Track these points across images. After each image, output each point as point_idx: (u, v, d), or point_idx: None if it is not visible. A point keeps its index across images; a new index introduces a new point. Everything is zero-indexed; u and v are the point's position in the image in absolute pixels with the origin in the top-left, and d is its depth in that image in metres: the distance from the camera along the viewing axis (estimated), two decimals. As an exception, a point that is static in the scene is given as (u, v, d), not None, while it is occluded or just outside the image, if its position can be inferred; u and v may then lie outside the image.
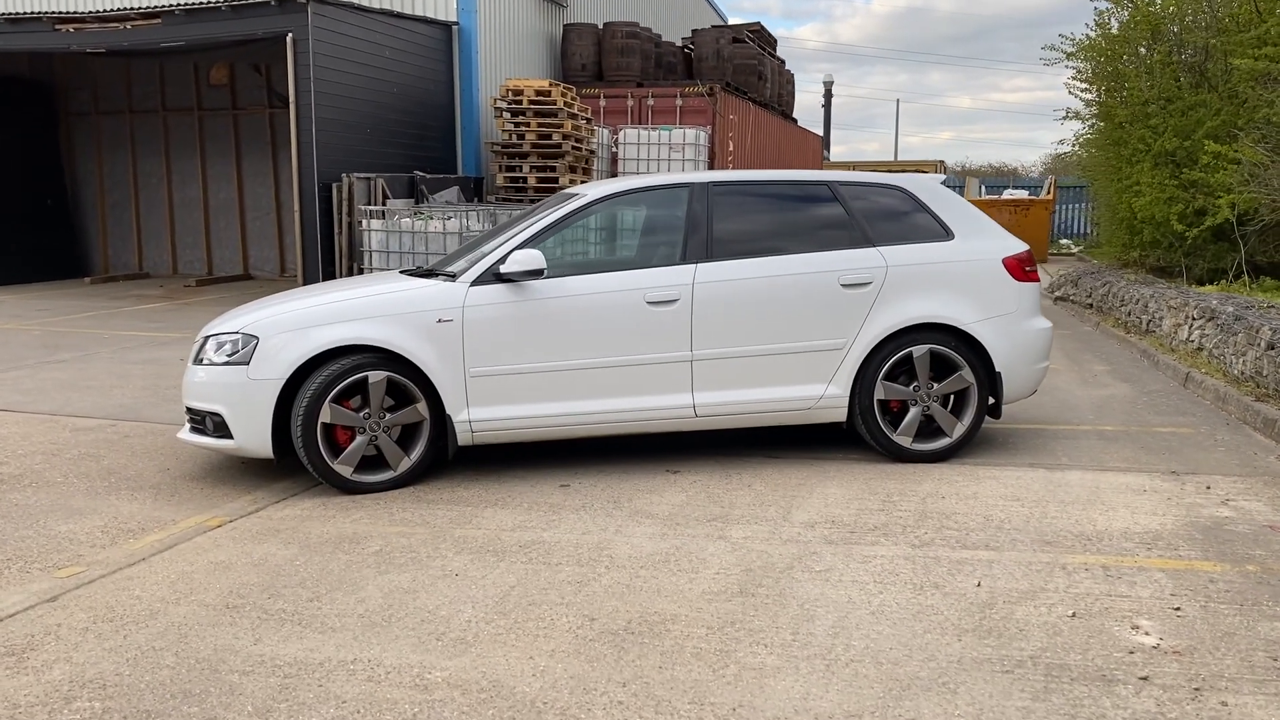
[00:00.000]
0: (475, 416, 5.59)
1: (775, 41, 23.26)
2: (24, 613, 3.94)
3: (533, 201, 15.65)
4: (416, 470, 5.63)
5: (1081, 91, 14.47)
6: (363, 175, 13.81)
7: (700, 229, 5.84)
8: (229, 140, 18.28)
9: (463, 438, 5.62)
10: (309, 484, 5.65)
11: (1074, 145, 21.12)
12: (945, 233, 6.04)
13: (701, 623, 3.71)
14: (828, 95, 43.51)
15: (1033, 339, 6.07)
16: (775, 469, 5.83)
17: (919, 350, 5.86)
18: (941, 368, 5.92)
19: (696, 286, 5.71)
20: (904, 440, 5.90)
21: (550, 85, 15.96)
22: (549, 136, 15.81)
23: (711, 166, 17.74)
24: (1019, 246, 6.16)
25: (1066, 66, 14.06)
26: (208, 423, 5.60)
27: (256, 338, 5.48)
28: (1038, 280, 6.19)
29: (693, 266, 5.76)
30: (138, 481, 5.75)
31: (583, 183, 16.51)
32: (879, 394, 5.86)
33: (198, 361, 5.71)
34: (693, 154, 17.23)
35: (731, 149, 19.03)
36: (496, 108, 15.93)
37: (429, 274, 6.04)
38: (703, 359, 5.72)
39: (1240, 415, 7.01)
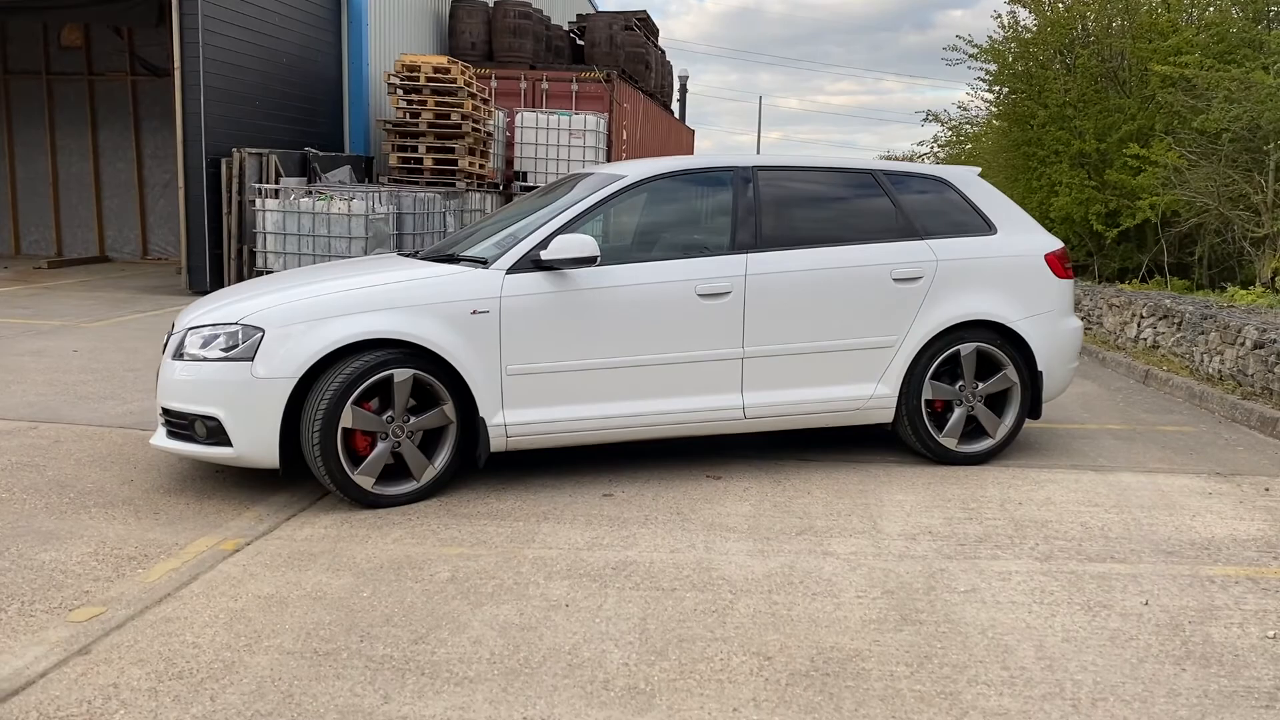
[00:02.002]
0: (511, 419, 5.02)
1: (658, 31, 22.97)
2: (57, 670, 3.19)
3: (430, 184, 14.88)
4: (441, 480, 5.02)
5: (985, 92, 14.73)
6: (254, 150, 12.76)
7: (749, 216, 5.42)
8: (83, 110, 16.66)
9: (496, 443, 5.04)
10: (309, 496, 4.96)
11: (933, 148, 21.72)
12: (988, 226, 5.82)
13: (893, 659, 3.30)
14: (683, 89, 43.58)
15: (1069, 338, 5.92)
16: (820, 473, 5.48)
17: (966, 348, 5.61)
18: (984, 367, 5.69)
19: (749, 278, 5.29)
20: (949, 442, 5.65)
21: (449, 63, 15.19)
22: (447, 116, 15.04)
23: (608, 155, 17.29)
24: (1057, 242, 5.99)
25: (969, 68, 14.25)
26: (197, 428, 4.83)
27: (262, 330, 4.75)
28: (1074, 277, 6.05)
29: (744, 257, 5.34)
30: (104, 496, 4.92)
31: (481, 166, 15.81)
32: (926, 394, 5.59)
33: (178, 356, 4.92)
34: (594, 141, 16.78)
35: (625, 137, 18.63)
36: (390, 84, 15.05)
37: (447, 258, 5.41)
38: (754, 356, 5.31)
39: (1227, 414, 7.08)
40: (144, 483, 5.17)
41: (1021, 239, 5.85)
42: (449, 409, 4.96)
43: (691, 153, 27.74)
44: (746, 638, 3.45)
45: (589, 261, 4.98)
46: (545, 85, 17.90)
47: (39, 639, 3.40)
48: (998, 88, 14.42)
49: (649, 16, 22.04)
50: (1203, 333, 7.92)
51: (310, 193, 12.54)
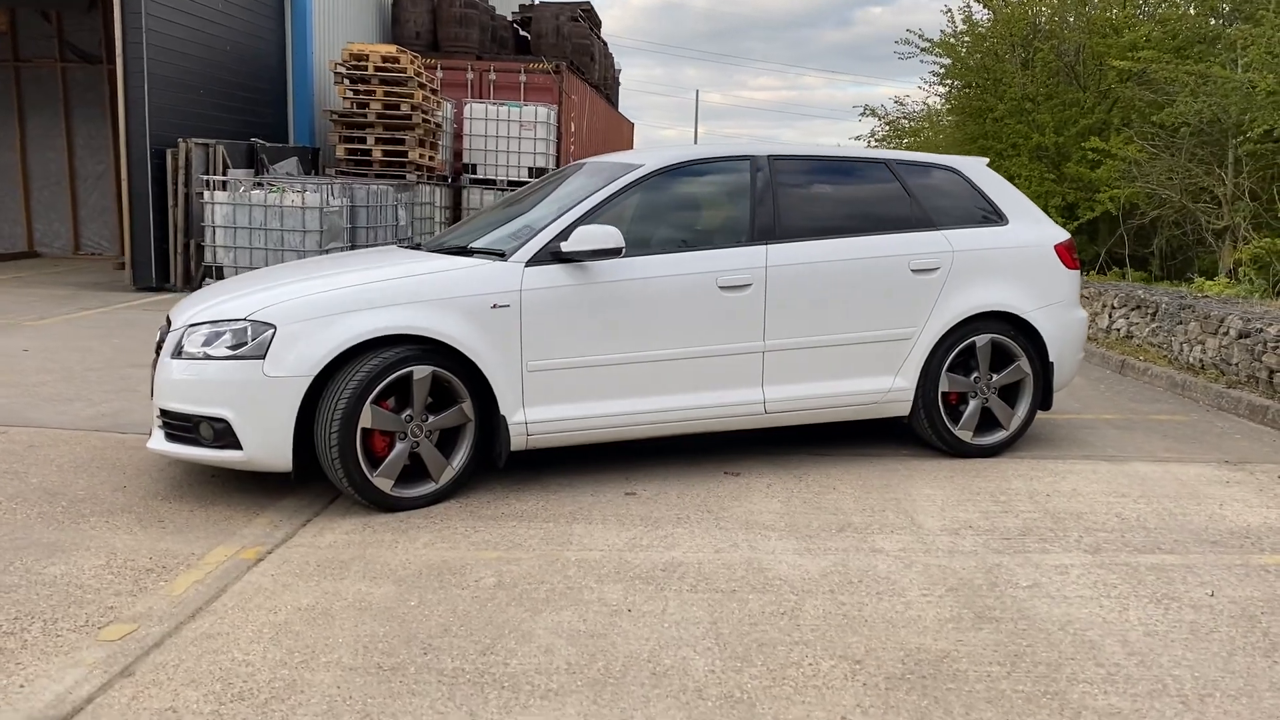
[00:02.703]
0: (532, 417, 4.84)
1: (600, 23, 22.79)
2: (104, 695, 2.95)
3: (379, 176, 14.54)
4: (459, 481, 4.83)
5: (938, 85, 14.83)
6: (201, 141, 12.30)
7: (766, 206, 5.31)
8: (9, 97, 15.93)
9: (516, 442, 4.86)
10: (318, 500, 4.74)
11: (870, 143, 21.95)
12: (999, 216, 5.79)
13: (984, 659, 3.22)
14: (615, 82, 43.38)
15: (1078, 328, 5.93)
16: (838, 468, 5.40)
17: (981, 340, 5.58)
18: (998, 358, 5.67)
19: (770, 270, 5.18)
20: (965, 434, 5.61)
21: (399, 52, 14.87)
22: (397, 107, 14.73)
23: (558, 148, 17.08)
24: (1065, 233, 5.99)
25: (921, 61, 14.34)
26: (202, 430, 4.57)
27: (273, 326, 4.50)
28: (1080, 268, 6.06)
29: (763, 248, 5.23)
30: (100, 504, 4.64)
31: (431, 158, 15.50)
32: (943, 386, 5.54)
33: (178, 355, 4.65)
34: (544, 133, 16.57)
35: (573, 130, 18.43)
36: (337, 73, 14.66)
37: (459, 250, 5.20)
38: (774, 350, 5.21)
39: (1213, 402, 7.18)
40: (139, 489, 4.88)
41: (1032, 229, 5.83)
42: (468, 407, 4.77)
43: (631, 146, 27.59)
44: (826, 641, 3.34)
45: (613, 253, 4.81)
46: (492, 76, 17.61)
47: (74, 660, 3.15)
48: (951, 82, 14.53)
49: (593, 8, 21.85)
50: (1181, 323, 8.03)
51: (261, 185, 12.13)
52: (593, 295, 4.89)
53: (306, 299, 4.60)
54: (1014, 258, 5.68)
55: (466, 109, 16.56)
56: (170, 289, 12.35)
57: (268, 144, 13.74)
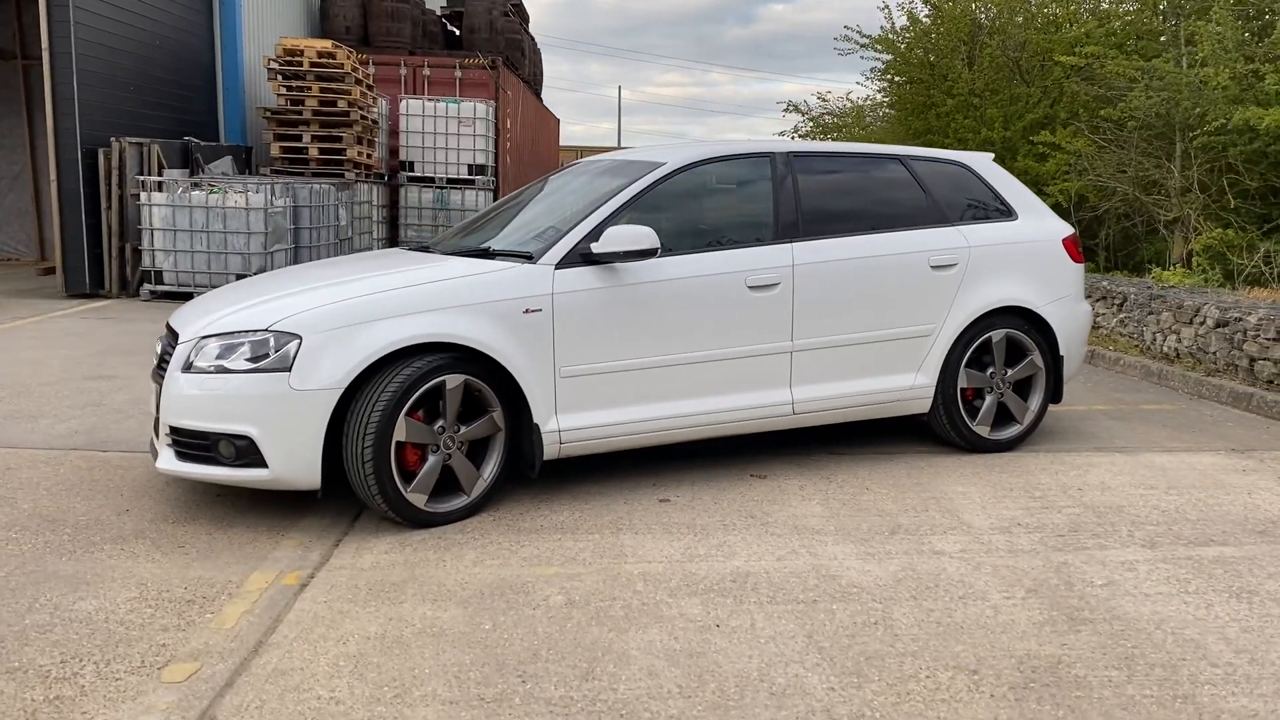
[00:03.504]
0: (565, 425, 4.68)
1: (528, 17, 22.51)
2: (191, 743, 2.72)
3: (316, 175, 14.11)
4: (489, 494, 4.64)
5: (878, 80, 14.96)
6: (135, 140, 11.77)
7: (789, 203, 5.22)
8: (-86, 94, 15.05)
9: (549, 450, 4.69)
10: (339, 518, 4.53)
11: (793, 139, 22.14)
12: (1008, 211, 5.80)
13: (1097, 663, 3.17)
14: (542, 77, 43.03)
15: (1084, 321, 5.97)
16: (862, 467, 5.35)
17: (997, 335, 5.59)
18: (1011, 353, 5.68)
19: (796, 268, 5.10)
20: (982, 430, 5.61)
21: (334, 47, 14.46)
22: (334, 104, 14.31)
23: (496, 145, 16.80)
24: (1070, 227, 6.03)
25: (863, 58, 14.46)
26: (222, 448, 4.30)
27: (298, 336, 4.26)
28: (1084, 261, 6.11)
29: (789, 246, 5.14)
30: (109, 530, 4.35)
31: (369, 156, 15.11)
32: (961, 382, 5.53)
33: (188, 369, 4.37)
34: (483, 129, 16.28)
35: (509, 126, 18.16)
36: (270, 69, 14.18)
37: (480, 253, 5.01)
38: (802, 349, 5.13)
39: (1192, 390, 7.34)
40: (144, 512, 4.59)
41: (1040, 223, 5.86)
42: (498, 416, 4.59)
43: (557, 143, 27.36)
44: (932, 650, 3.26)
45: (648, 254, 4.67)
46: (427, 72, 17.25)
47: (144, 706, 2.91)
48: (892, 77, 14.67)
49: (522, 2, 21.57)
50: (1153, 313, 8.19)
51: (200, 185, 11.66)
52: (624, 297, 4.75)
53: (331, 307, 4.36)
54: (1025, 252, 5.70)
55: (403, 105, 16.18)
56: (105, 295, 11.79)
57: (202, 143, 13.22)
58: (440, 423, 4.43)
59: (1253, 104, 9.01)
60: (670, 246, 4.93)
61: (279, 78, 14.22)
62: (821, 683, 3.05)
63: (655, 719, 2.85)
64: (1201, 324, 7.55)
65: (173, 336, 4.67)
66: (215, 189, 11.52)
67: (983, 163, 5.90)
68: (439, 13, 20.00)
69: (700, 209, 5.15)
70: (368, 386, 4.28)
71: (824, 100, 24.41)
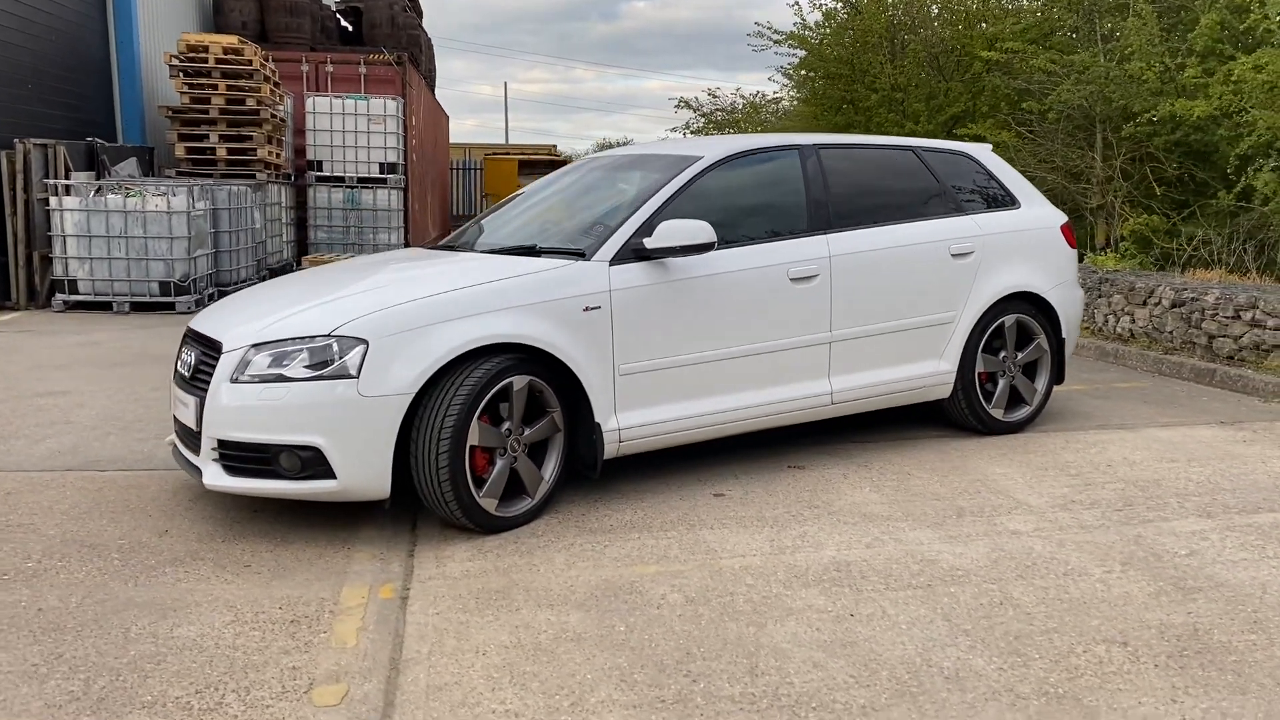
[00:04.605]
0: (624, 423, 4.64)
1: (423, 12, 22.09)
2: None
3: (225, 176, 13.59)
4: (550, 496, 4.56)
5: (786, 75, 15.21)
6: (39, 142, 11.09)
7: (820, 195, 5.28)
8: None
9: (609, 449, 4.64)
10: (392, 526, 4.40)
11: (686, 135, 22.43)
12: (1012, 200, 5.99)
13: (1232, 629, 3.31)
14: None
15: (1079, 305, 6.22)
16: (897, 454, 5.45)
17: (1009, 320, 5.77)
18: (1020, 337, 5.87)
19: (833, 259, 5.16)
20: (997, 412, 5.79)
21: (240, 43, 13.96)
22: (242, 101, 13.83)
23: (404, 142, 16.44)
24: (1063, 215, 6.27)
25: (776, 54, 14.70)
26: (283, 460, 4.11)
27: (364, 341, 4.10)
28: (1077, 247, 6.35)
29: (824, 237, 5.20)
30: (161, 553, 4.11)
31: (278, 155, 14.63)
32: (979, 367, 5.69)
33: (239, 379, 4.16)
34: (393, 126, 15.93)
35: (414, 123, 17.81)
36: (172, 66, 13.59)
37: (526, 251, 4.90)
38: (840, 340, 5.20)
39: (1151, 369, 7.71)
40: (184, 532, 4.35)
41: (1040, 211, 6.06)
42: (558, 416, 4.51)
43: (448, 139, 26.92)
44: (1072, 626, 3.35)
45: (704, 249, 4.66)
46: (330, 68, 16.77)
47: (315, 734, 2.76)
48: (806, 73, 14.93)
49: (417, -3, 21.15)
50: (1102, 296, 8.57)
51: (115, 188, 11.08)
52: (675, 292, 4.72)
53: (395, 309, 4.21)
54: (1030, 240, 5.89)
55: (309, 103, 15.69)
56: (12, 307, 11.09)
57: (106, 144, 12.55)
58: (506, 425, 4.33)
59: (1174, 95, 9.52)
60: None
61: (181, 74, 13.63)
62: (987, 664, 3.10)
63: (848, 710, 2.84)
64: (1156, 305, 7.94)
65: (207, 345, 4.43)
66: (132, 192, 10.96)
67: (984, 152, 6.08)
68: (334, 8, 19.46)
69: (736, 202, 5.15)
70: (436, 390, 4.15)
71: (714, 96, 24.75)
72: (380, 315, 4.18)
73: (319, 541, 4.22)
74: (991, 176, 5.95)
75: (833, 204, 5.28)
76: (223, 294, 11.97)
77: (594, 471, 4.61)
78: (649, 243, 4.63)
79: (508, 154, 25.14)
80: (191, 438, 4.41)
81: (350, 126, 15.67)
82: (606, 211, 4.98)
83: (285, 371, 4.10)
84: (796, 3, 14.78)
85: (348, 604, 3.62)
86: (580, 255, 4.66)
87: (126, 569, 3.93)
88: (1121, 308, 8.33)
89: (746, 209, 5.19)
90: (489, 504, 4.27)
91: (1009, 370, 5.79)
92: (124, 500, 4.76)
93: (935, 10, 13.28)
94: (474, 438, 4.18)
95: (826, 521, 4.41)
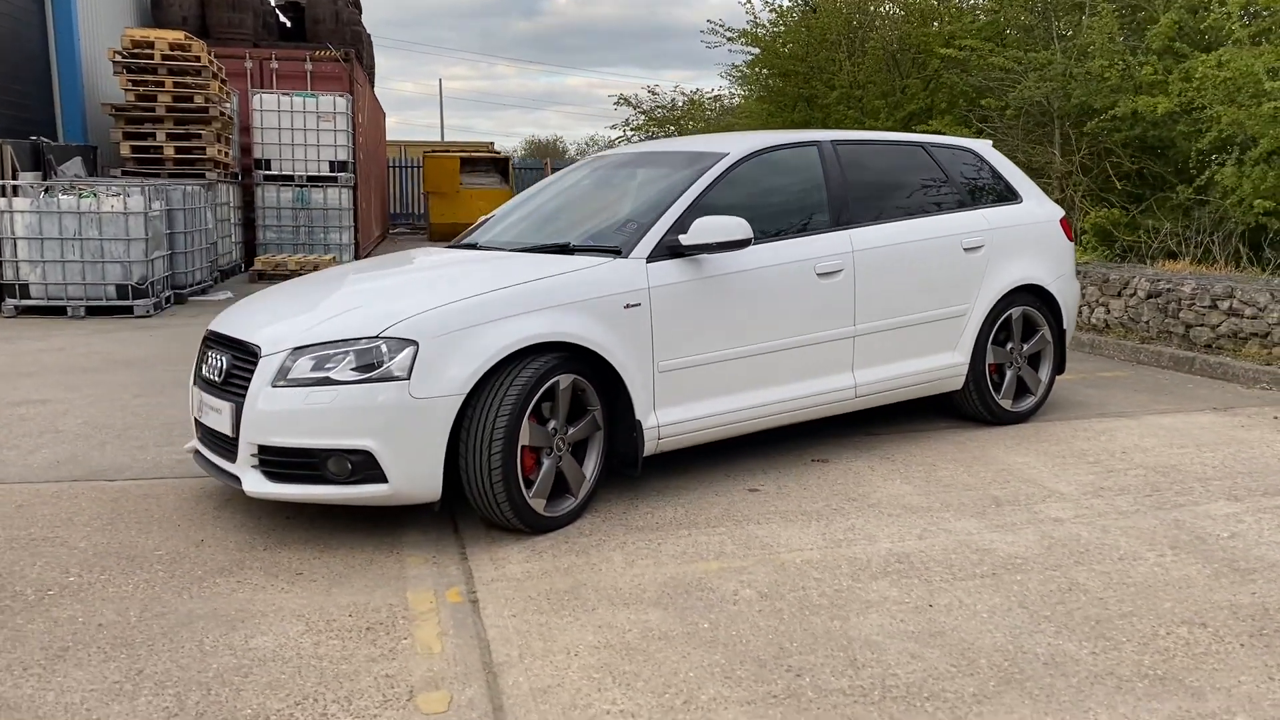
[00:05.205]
0: (663, 420, 4.64)
1: (362, 8, 21.75)
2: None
3: (173, 175, 13.26)
4: (591, 494, 4.54)
5: (739, 71, 15.30)
6: (-15, 141, 10.68)
7: (840, 190, 5.34)
8: None
9: (649, 446, 4.63)
10: (433, 529, 4.34)
11: (626, 132, 22.48)
12: (1015, 195, 6.11)
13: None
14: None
15: (1077, 297, 6.37)
16: (916, 446, 5.53)
17: (1016, 312, 5.89)
18: (1025, 329, 5.99)
19: (855, 254, 5.22)
20: (1005, 403, 5.90)
21: (187, 38, 13.65)
22: (190, 99, 13.52)
23: (352, 139, 16.20)
24: (1061, 209, 6.41)
25: (730, 50, 14.78)
26: (332, 465, 4.03)
27: (414, 342, 4.04)
28: (1074, 240, 6.50)
29: (846, 233, 5.25)
30: (204, 563, 4.00)
31: (226, 154, 14.32)
32: (989, 358, 5.80)
33: (281, 382, 4.07)
34: (343, 124, 15.70)
35: (361, 120, 17.56)
36: (115, 63, 13.24)
37: (559, 249, 4.86)
38: (863, 334, 5.26)
39: (1129, 357, 7.94)
40: (220, 542, 4.24)
41: (1041, 206, 6.20)
42: (599, 415, 4.50)
43: (385, 136, 26.57)
44: (1148, 609, 3.44)
45: (740, 245, 4.67)
46: (275, 65, 16.48)
47: (436, 742, 2.72)
48: (759, 70, 15.03)
49: (356, -8, 20.81)
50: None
51: (67, 189, 10.73)
52: (710, 288, 4.73)
53: (443, 310, 4.15)
54: (1033, 233, 6.02)
55: (256, 100, 15.39)
56: (-41, 313, 10.67)
57: (51, 143, 12.14)
58: (552, 424, 4.30)
59: (1131, 93, 9.80)
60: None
61: (125, 71, 13.27)
62: (1079, 649, 3.16)
63: (960, 699, 2.88)
64: (1132, 296, 8.17)
65: (238, 348, 4.33)
66: (85, 193, 10.62)
67: (986, 148, 6.19)
68: (274, 2, 19.09)
69: (761, 197, 5.17)
70: (486, 391, 4.10)
71: (655, 94, 24.78)
72: (428, 316, 4.11)
73: (364, 547, 4.15)
74: (995, 172, 6.07)
75: (851, 199, 5.34)
76: (179, 298, 11.69)
77: (634, 469, 4.59)
78: (685, 239, 4.63)
79: (448, 151, 24.85)
80: (225, 444, 4.30)
81: (300, 124, 15.39)
82: (634, 209, 4.97)
83: (332, 374, 4.02)
84: (749, 1, 14.82)
85: (418, 609, 3.56)
86: (616, 253, 4.64)
87: (174, 580, 3.81)
88: (1096, 299, 8.55)
89: (771, 204, 5.21)
90: (538, 504, 4.24)
91: (1015, 361, 5.91)
92: (145, 510, 4.62)
93: (887, 9, 13.47)
94: (525, 438, 4.14)
95: (870, 514, 4.45)
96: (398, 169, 29.26)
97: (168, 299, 11.28)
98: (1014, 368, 5.91)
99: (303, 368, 4.06)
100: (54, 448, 5.63)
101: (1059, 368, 6.15)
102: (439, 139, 44.10)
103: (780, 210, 5.24)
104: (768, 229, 5.08)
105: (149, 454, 5.51)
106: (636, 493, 4.78)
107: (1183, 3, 9.64)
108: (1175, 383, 7.12)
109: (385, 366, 4.00)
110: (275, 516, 4.50)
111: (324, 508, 4.50)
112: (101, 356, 8.44)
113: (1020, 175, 6.23)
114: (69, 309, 10.59)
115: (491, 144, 31.14)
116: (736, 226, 4.62)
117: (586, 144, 58.23)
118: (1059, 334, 6.06)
